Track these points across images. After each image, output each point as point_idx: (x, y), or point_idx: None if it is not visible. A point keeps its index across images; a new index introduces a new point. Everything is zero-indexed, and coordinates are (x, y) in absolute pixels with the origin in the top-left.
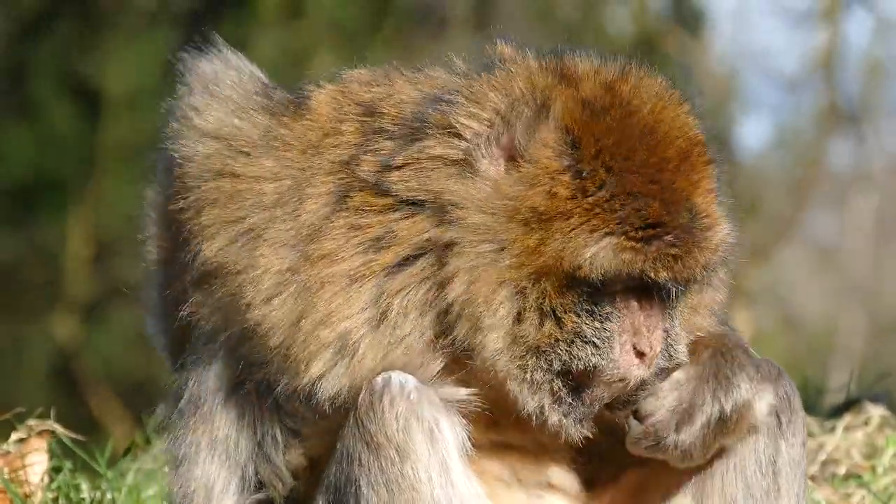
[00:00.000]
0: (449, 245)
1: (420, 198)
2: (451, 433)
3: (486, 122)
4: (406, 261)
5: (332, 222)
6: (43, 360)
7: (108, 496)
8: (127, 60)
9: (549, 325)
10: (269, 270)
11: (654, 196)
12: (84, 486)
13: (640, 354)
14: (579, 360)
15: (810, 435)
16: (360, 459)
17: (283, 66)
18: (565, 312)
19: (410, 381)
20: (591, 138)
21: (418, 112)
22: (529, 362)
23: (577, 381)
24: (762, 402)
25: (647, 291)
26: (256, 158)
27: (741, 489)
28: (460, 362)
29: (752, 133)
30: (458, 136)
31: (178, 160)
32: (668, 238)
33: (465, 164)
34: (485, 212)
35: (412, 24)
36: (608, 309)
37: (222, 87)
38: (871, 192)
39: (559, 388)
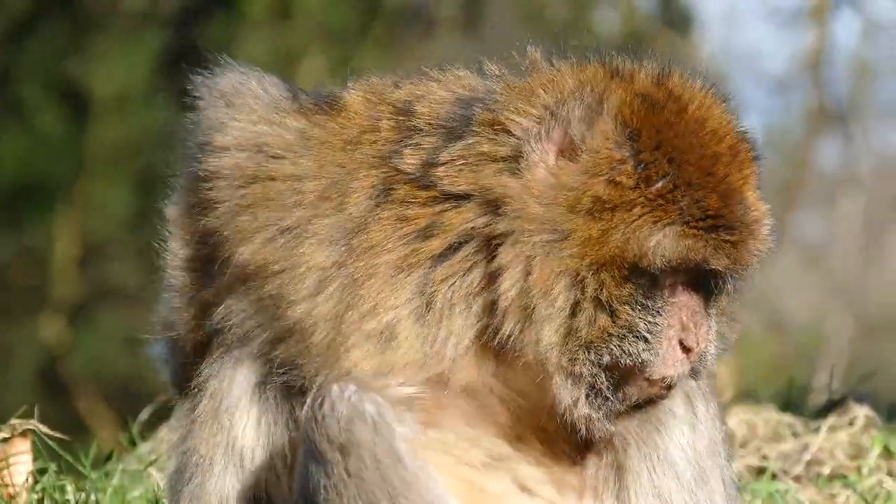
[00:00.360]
0: (501, 236)
1: (467, 191)
2: (398, 424)
3: (535, 118)
4: (452, 249)
5: (377, 214)
6: (30, 361)
7: (93, 497)
8: (115, 62)
9: (603, 318)
10: (314, 266)
11: (711, 188)
12: (69, 487)
13: (686, 350)
14: (629, 355)
15: (795, 435)
16: (310, 472)
17: (272, 67)
18: (621, 305)
19: (351, 386)
20: (650, 130)
21: (458, 111)
22: (579, 356)
23: (620, 377)
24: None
25: (696, 287)
26: (293, 159)
27: (672, 483)
28: (501, 357)
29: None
30: (508, 132)
31: (205, 176)
32: (727, 227)
33: (515, 160)
34: (542, 203)
35: (401, 25)
36: (661, 304)
37: (245, 97)
38: (859, 192)
39: (602, 382)
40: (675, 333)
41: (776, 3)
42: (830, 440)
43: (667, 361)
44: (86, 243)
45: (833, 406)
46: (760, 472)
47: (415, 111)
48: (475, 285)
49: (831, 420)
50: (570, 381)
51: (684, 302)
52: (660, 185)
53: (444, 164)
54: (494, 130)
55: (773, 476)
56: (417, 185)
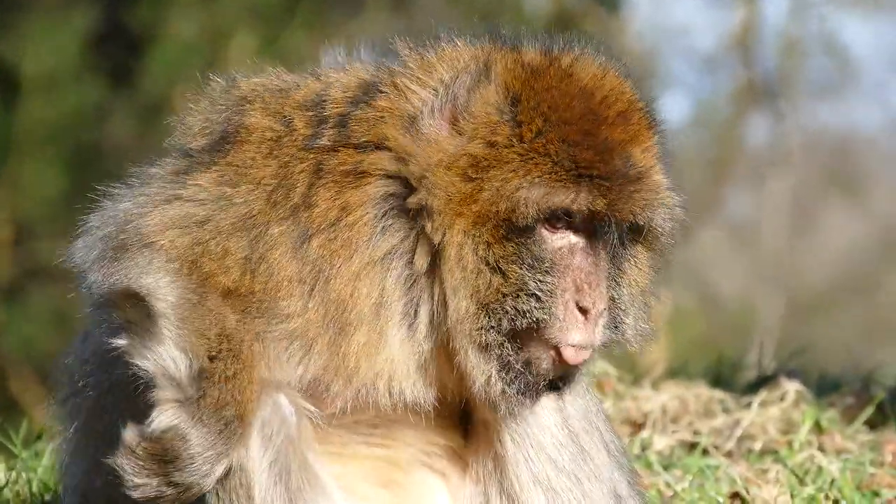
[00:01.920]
0: (417, 203)
1: (376, 141)
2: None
3: (431, 90)
4: (384, 214)
5: (317, 188)
6: None
7: (24, 476)
8: (44, 41)
9: (496, 279)
10: (290, 278)
11: (587, 146)
12: None
13: (584, 311)
14: (523, 315)
15: (727, 411)
16: None
17: (201, 47)
18: (509, 264)
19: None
20: (530, 93)
21: (362, 90)
22: (483, 321)
23: (524, 346)
24: None
25: (592, 251)
26: (226, 202)
27: (549, 467)
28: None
29: (670, 111)
30: (406, 99)
31: (133, 292)
32: (600, 177)
33: (413, 124)
34: (431, 172)
35: (329, 5)
36: (550, 263)
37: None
38: (789, 170)
39: (509, 353)
40: (571, 296)
41: None
42: (761, 416)
43: (566, 325)
44: (17, 223)
45: (764, 382)
46: (692, 447)
47: (324, 102)
48: (406, 244)
49: (762, 395)
50: (480, 355)
51: (578, 264)
52: (532, 140)
53: (356, 121)
54: (397, 93)
55: (705, 451)
56: (342, 151)
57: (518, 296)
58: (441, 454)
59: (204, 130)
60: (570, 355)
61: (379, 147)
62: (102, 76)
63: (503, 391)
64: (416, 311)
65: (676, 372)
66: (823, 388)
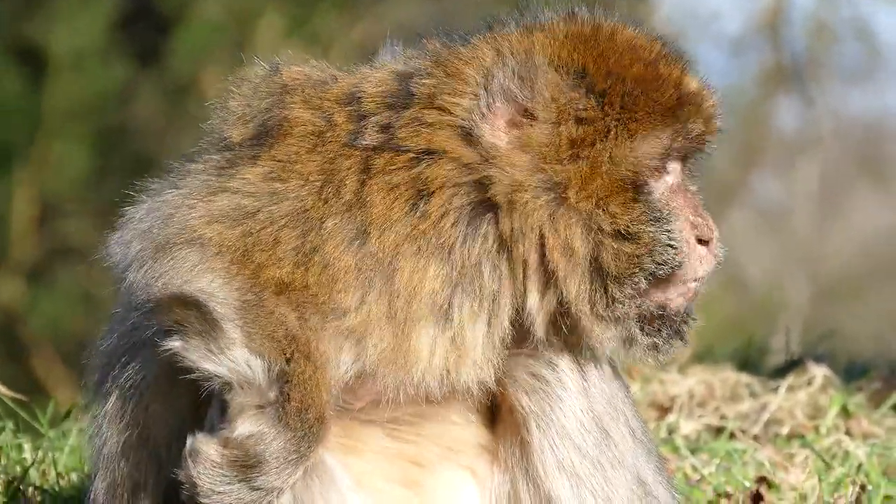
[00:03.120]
0: (491, 203)
1: (432, 148)
2: None
3: (470, 96)
4: (454, 211)
5: (368, 188)
6: None
7: (50, 456)
8: (72, 21)
9: (628, 247)
10: (348, 268)
11: (662, 85)
12: (26, 446)
13: (705, 243)
14: (665, 265)
15: (753, 395)
16: None
17: (228, 27)
18: (640, 226)
19: None
20: (593, 61)
21: (399, 86)
22: (616, 294)
23: (657, 295)
24: None
25: (686, 187)
26: (277, 195)
27: (573, 453)
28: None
29: None
30: (449, 112)
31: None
32: (686, 105)
33: (468, 133)
34: (525, 170)
35: None
36: (668, 208)
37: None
38: (818, 154)
39: (647, 309)
40: (691, 233)
41: None
42: (789, 400)
43: (695, 262)
44: (44, 202)
45: (791, 366)
46: (719, 431)
47: (360, 98)
48: (492, 246)
49: (789, 380)
50: (614, 325)
51: (685, 201)
52: (621, 102)
53: (402, 127)
54: (437, 109)
55: (732, 436)
56: (391, 153)
57: (653, 252)
58: (467, 450)
59: (245, 118)
60: (697, 287)
61: (430, 153)
62: (129, 56)
63: (653, 344)
64: (495, 308)
65: (703, 356)
66: (851, 372)
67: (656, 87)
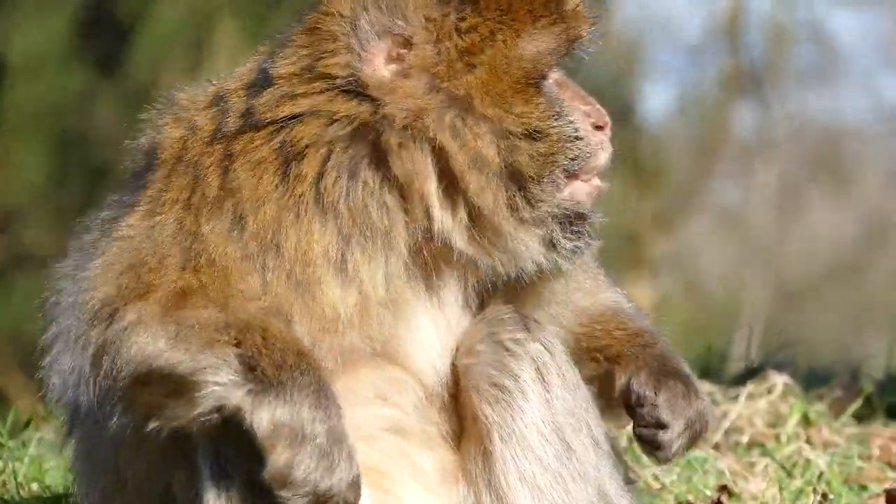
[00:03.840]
0: (375, 144)
1: (297, 113)
2: None
3: (343, 50)
4: (334, 170)
5: (232, 173)
6: None
7: (10, 466)
8: (31, 26)
9: (539, 145)
10: (236, 258)
11: (529, 15)
12: None
13: (600, 128)
14: (576, 159)
15: (714, 403)
16: None
17: (187, 32)
18: (545, 121)
19: None
20: None
21: (258, 71)
22: (535, 193)
23: (568, 193)
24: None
25: (563, 79)
26: (157, 235)
27: (535, 465)
28: (432, 247)
29: (657, 100)
30: (330, 77)
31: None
32: (573, 5)
33: (347, 89)
34: (419, 94)
35: None
36: (564, 101)
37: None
38: (776, 158)
39: (565, 208)
40: (587, 121)
41: None
42: (749, 408)
43: (598, 149)
44: (3, 208)
45: (751, 374)
46: None
47: (225, 95)
48: (376, 188)
49: (750, 388)
50: (536, 227)
51: (573, 92)
52: (496, 5)
53: (261, 105)
54: (310, 79)
55: None
56: (250, 132)
57: (564, 147)
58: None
59: (137, 156)
60: (601, 185)
61: (297, 117)
62: (89, 62)
63: (574, 247)
64: (388, 242)
65: None
66: (811, 379)
67: None
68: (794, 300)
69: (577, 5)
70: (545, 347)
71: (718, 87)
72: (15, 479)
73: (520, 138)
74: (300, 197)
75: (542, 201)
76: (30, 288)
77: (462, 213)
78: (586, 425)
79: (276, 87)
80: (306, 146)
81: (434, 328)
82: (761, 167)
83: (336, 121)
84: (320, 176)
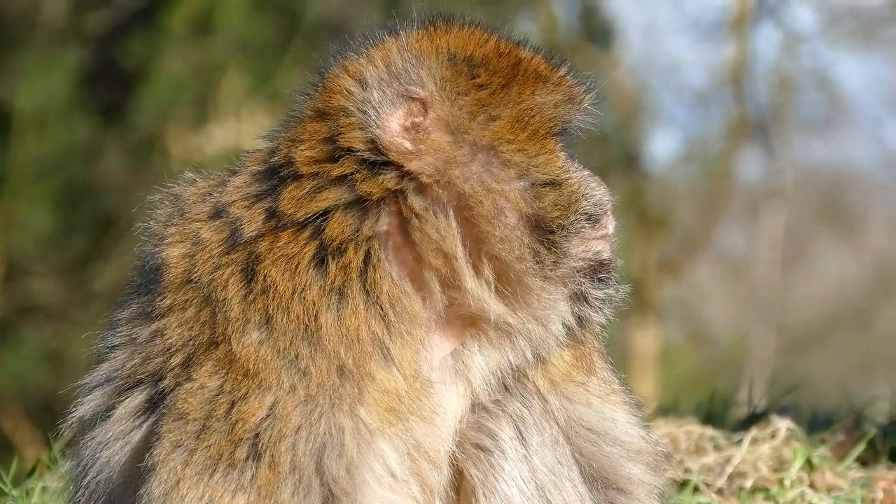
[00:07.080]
0: (397, 211)
1: (324, 209)
2: None
3: (358, 127)
4: (377, 265)
5: (261, 275)
6: None
7: None
8: (36, 78)
9: (564, 192)
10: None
11: (535, 74)
12: None
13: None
14: (599, 204)
15: (718, 448)
16: None
17: (192, 83)
18: (568, 172)
19: None
20: (454, 43)
21: (262, 183)
22: (561, 244)
23: (594, 244)
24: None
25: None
26: (162, 347)
27: None
28: (462, 317)
29: (663, 147)
30: (350, 150)
31: None
32: (575, 79)
33: (362, 169)
34: (447, 147)
35: (321, 40)
36: (575, 158)
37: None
38: (782, 205)
39: (590, 258)
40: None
41: (697, 15)
42: (753, 453)
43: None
44: (9, 260)
45: (755, 419)
46: (683, 485)
47: (226, 207)
48: (404, 255)
49: (753, 432)
50: (563, 283)
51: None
52: (513, 67)
53: (285, 203)
54: (323, 160)
55: (696, 489)
56: (278, 232)
57: (585, 194)
58: None
59: (144, 267)
60: (612, 239)
61: (329, 211)
62: (94, 113)
63: (605, 295)
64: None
65: (668, 409)
66: (815, 424)
67: (515, 57)
68: (799, 346)
69: (574, 82)
70: (523, 405)
71: (724, 135)
72: None
73: (543, 186)
74: (343, 285)
75: (566, 254)
76: (36, 339)
77: (487, 272)
78: (569, 481)
79: (297, 182)
80: (342, 242)
81: (459, 407)
82: (767, 214)
83: (367, 209)
84: (364, 269)
